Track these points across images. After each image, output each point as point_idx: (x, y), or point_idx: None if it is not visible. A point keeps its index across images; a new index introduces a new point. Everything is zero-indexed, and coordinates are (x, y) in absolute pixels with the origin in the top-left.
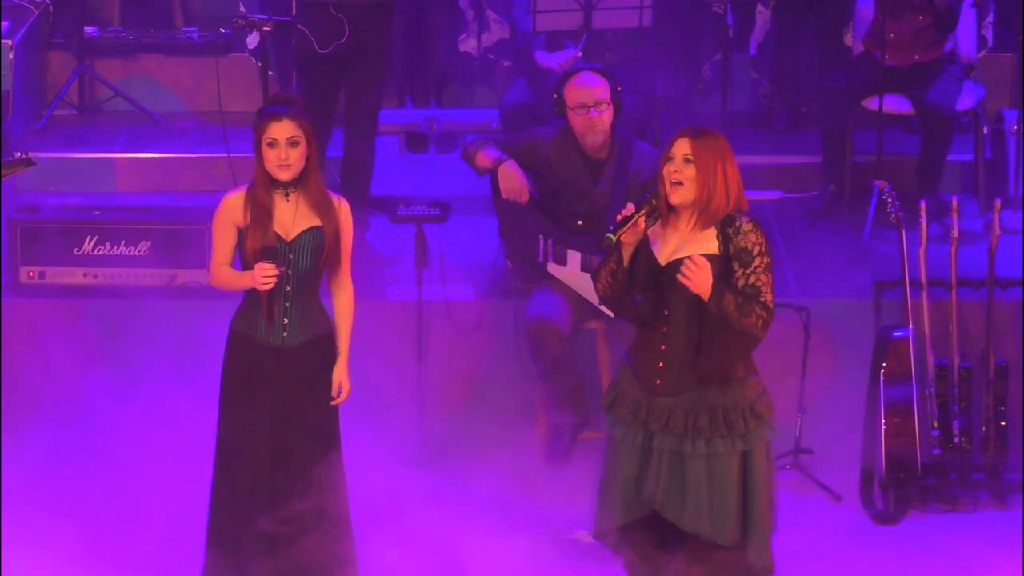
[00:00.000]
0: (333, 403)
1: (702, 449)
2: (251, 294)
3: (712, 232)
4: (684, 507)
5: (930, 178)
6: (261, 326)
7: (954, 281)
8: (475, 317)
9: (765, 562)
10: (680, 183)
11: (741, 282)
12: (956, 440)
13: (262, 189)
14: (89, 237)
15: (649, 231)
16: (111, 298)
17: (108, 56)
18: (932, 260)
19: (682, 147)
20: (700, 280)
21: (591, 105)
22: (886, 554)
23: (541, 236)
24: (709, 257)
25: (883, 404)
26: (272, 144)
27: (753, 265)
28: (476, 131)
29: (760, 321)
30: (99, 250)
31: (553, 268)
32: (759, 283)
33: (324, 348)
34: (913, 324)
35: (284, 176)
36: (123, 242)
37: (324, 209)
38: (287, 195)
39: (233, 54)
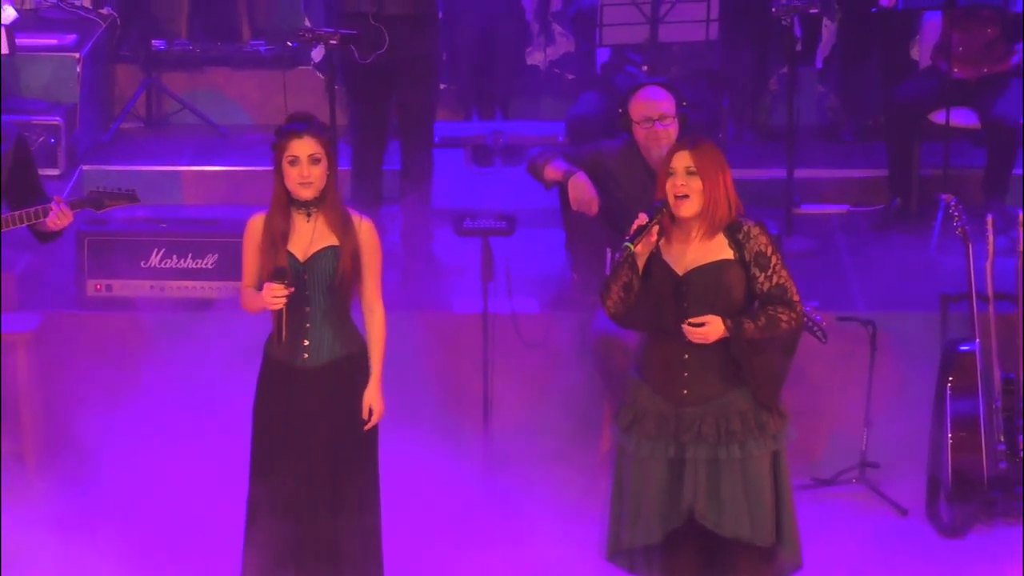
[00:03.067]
0: (366, 427)
1: (737, 453)
2: (274, 316)
3: (722, 239)
4: (723, 513)
5: (997, 191)
6: (280, 347)
7: (1021, 294)
8: (541, 330)
9: (796, 559)
10: (686, 196)
11: (766, 285)
12: (1022, 454)
13: (279, 210)
14: (156, 250)
15: (660, 245)
16: (178, 311)
17: (175, 69)
18: (999, 273)
19: (683, 160)
20: (712, 330)
21: (656, 119)
22: (952, 568)
23: (608, 249)
24: (726, 263)
25: (949, 418)
26: (294, 162)
27: (772, 265)
28: (542, 144)
29: (792, 323)
30: (166, 263)
31: None
32: (782, 280)
33: (352, 368)
34: (979, 338)
35: (307, 194)
36: (190, 255)
37: (343, 228)
38: (309, 215)
39: (300, 67)
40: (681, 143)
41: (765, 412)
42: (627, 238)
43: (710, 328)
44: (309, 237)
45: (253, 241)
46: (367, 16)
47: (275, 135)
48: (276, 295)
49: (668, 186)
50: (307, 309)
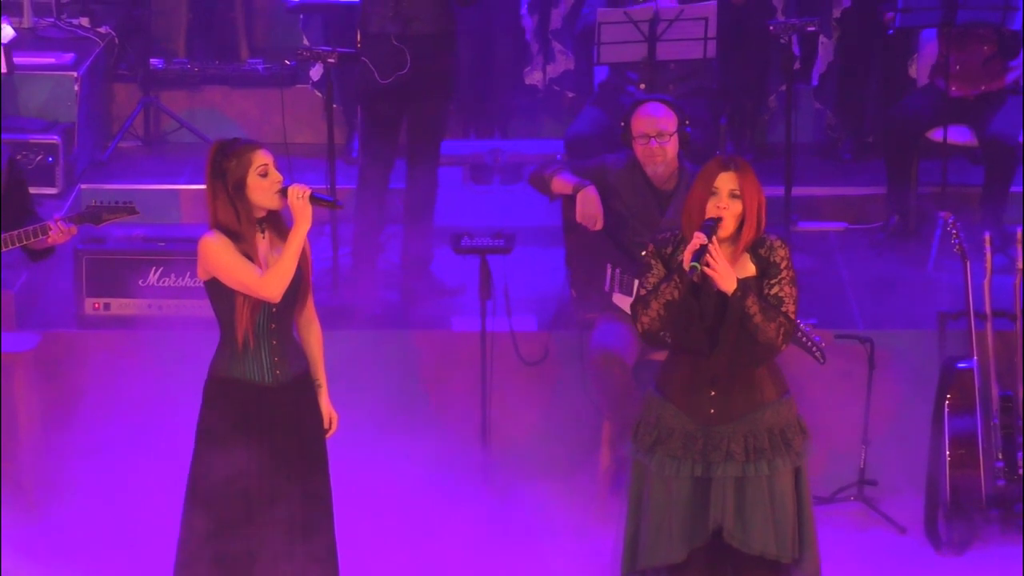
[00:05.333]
0: (328, 435)
1: (764, 470)
2: (229, 337)
3: (745, 256)
4: (748, 530)
5: (995, 209)
6: (244, 365)
7: (1019, 312)
8: (540, 348)
9: (816, 574)
10: (723, 217)
11: (766, 291)
12: (1021, 471)
13: (248, 228)
14: (154, 269)
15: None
16: (176, 329)
17: (173, 88)
18: (997, 291)
19: (728, 182)
20: (724, 270)
21: (652, 136)
22: None
23: (608, 264)
24: (749, 279)
25: (947, 435)
26: (265, 172)
27: (779, 277)
28: (541, 162)
29: (782, 330)
30: (164, 281)
31: (618, 298)
32: (782, 294)
33: (309, 382)
34: (978, 355)
35: (281, 203)
36: (188, 274)
37: None
38: (263, 231)
39: (298, 86)
40: (725, 163)
41: (791, 429)
42: (692, 259)
43: (725, 273)
44: (268, 253)
45: (231, 247)
46: (390, 36)
47: (223, 156)
48: (303, 191)
49: (710, 206)
50: (272, 325)
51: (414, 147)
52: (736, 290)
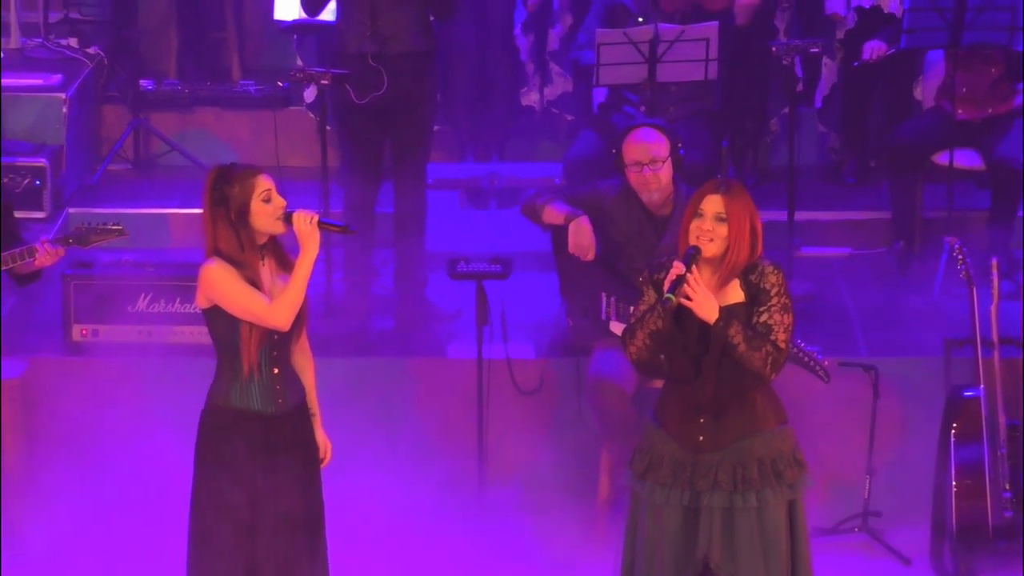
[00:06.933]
0: (323, 466)
1: (753, 502)
2: (230, 365)
3: (736, 283)
4: (738, 562)
5: (1002, 234)
6: (248, 395)
7: None
8: (537, 376)
9: None
10: (711, 240)
11: (754, 319)
12: None
13: (250, 256)
14: (144, 294)
15: None
16: (166, 356)
17: (164, 109)
18: (1003, 318)
19: (714, 205)
20: (704, 300)
21: (645, 163)
22: None
23: (604, 293)
24: (736, 306)
25: (953, 465)
26: (268, 198)
27: (768, 304)
28: (538, 186)
29: (770, 359)
30: (154, 307)
31: (615, 326)
32: (771, 322)
33: (307, 413)
34: (984, 383)
35: (285, 228)
36: (178, 299)
37: (289, 267)
38: (263, 258)
39: (291, 108)
40: (714, 186)
41: (783, 461)
42: (667, 290)
43: (704, 303)
44: (270, 281)
45: (235, 275)
46: (366, 56)
47: (224, 182)
48: (310, 216)
49: (693, 227)
50: (274, 354)
51: (398, 168)
52: (719, 319)
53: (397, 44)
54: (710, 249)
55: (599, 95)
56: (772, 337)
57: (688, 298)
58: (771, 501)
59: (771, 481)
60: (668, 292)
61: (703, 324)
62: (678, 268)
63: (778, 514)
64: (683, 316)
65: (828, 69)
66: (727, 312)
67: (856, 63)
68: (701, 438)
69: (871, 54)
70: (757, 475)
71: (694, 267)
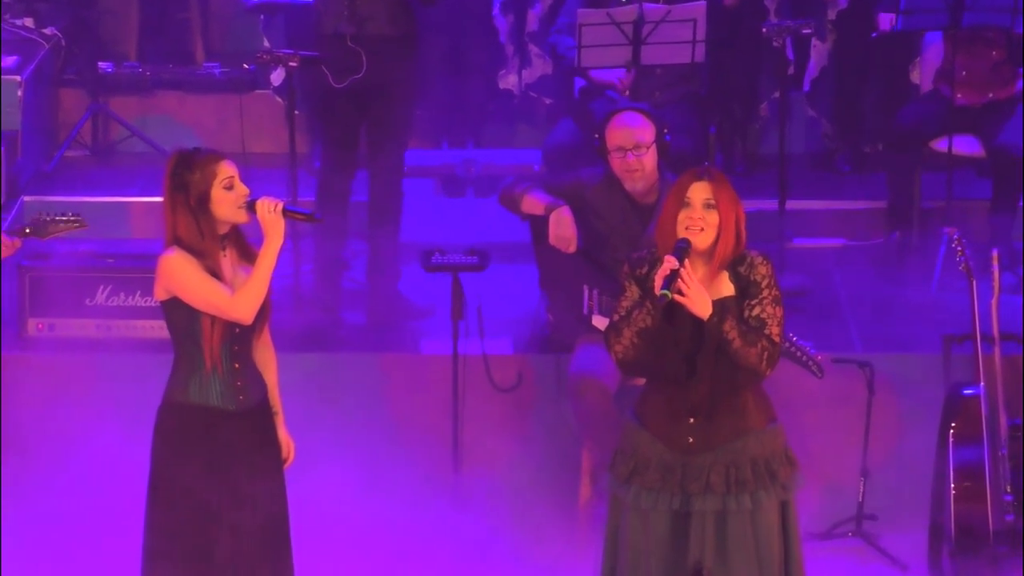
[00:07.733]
0: (286, 465)
1: (747, 504)
2: (189, 360)
3: (724, 275)
4: (731, 567)
5: (1003, 224)
6: (209, 391)
7: None
8: (515, 373)
9: None
10: (702, 230)
11: (746, 313)
12: None
13: (210, 245)
14: (102, 287)
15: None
16: (125, 352)
17: (124, 93)
18: (1005, 313)
19: (701, 192)
20: (698, 295)
21: (629, 148)
22: None
23: (586, 287)
24: (727, 300)
25: (952, 467)
26: (231, 186)
27: (760, 296)
28: (516, 173)
29: (765, 354)
30: (113, 300)
31: (598, 321)
32: (764, 315)
33: (269, 410)
34: (984, 381)
35: (248, 217)
36: (138, 292)
37: (251, 259)
38: (224, 249)
39: (258, 91)
40: (698, 173)
41: (776, 460)
42: (661, 286)
43: (698, 298)
44: (232, 272)
45: (196, 267)
46: (345, 37)
47: (184, 168)
48: (274, 204)
49: (682, 217)
50: (235, 348)
51: (374, 155)
52: (712, 315)
53: (376, 25)
54: (702, 240)
55: (580, 79)
56: (766, 331)
57: (682, 293)
58: (765, 502)
59: (765, 481)
60: (662, 288)
61: (696, 320)
62: (671, 263)
63: (771, 516)
64: (674, 312)
65: (818, 52)
66: (719, 306)
67: (874, 34)
68: (691, 439)
69: (890, 24)
70: (751, 476)
71: (686, 261)
